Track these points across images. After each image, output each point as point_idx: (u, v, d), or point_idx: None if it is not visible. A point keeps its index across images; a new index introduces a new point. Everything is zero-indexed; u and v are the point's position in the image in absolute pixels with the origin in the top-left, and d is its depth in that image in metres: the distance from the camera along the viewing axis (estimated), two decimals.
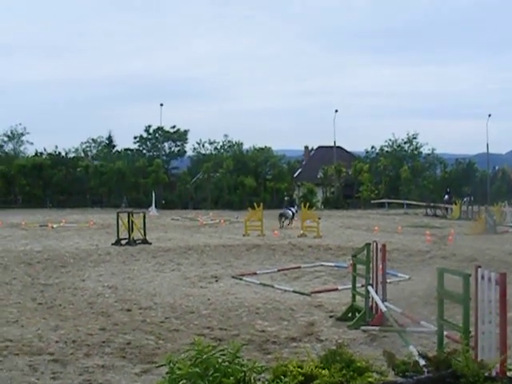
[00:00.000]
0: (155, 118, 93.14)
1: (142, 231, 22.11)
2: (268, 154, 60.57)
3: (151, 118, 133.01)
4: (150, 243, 21.53)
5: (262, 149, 61.86)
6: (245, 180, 55.15)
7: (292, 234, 25.96)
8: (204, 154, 69.83)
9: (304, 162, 71.39)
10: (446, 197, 45.92)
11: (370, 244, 9.46)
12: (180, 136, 70.56)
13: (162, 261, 17.03)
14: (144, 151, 69.30)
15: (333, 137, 59.83)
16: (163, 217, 38.45)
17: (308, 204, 29.48)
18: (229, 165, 56.89)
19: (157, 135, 69.28)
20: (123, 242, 21.31)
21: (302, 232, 25.79)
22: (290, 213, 30.09)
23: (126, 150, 68.32)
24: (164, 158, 66.26)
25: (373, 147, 68.97)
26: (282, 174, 57.96)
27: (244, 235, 25.46)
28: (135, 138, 70.08)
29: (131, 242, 21.26)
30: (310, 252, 19.38)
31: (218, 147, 70.43)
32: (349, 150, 69.94)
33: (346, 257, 17.22)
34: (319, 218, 27.97)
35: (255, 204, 28.25)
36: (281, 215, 29.87)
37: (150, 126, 69.43)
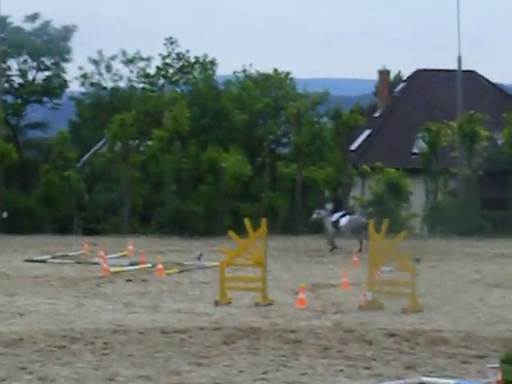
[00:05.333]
0: None
1: None
2: (285, 90, 36.09)
3: None
4: None
5: (267, 77, 36.57)
6: (220, 157, 32.13)
7: (342, 301, 17.08)
8: (114, 89, 40.27)
9: (378, 113, 42.19)
10: None
11: None
12: (53, 43, 37.69)
13: (2, 372, 11.08)
14: None
15: (447, 52, 38.54)
16: (6, 253, 26.16)
17: (385, 222, 17.17)
18: (180, 117, 32.14)
19: None
20: None
21: (367, 296, 16.47)
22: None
23: None
24: (9, 100, 37.11)
25: None
26: (320, 141, 33.61)
27: (217, 303, 16.24)
28: None
29: None
30: (390, 349, 12.55)
31: (151, 71, 40.61)
32: (494, 81, 42.59)
33: (484, 361, 11.46)
34: (417, 261, 20.40)
35: (246, 221, 16.58)
36: (354, 231, 25.44)
37: None
